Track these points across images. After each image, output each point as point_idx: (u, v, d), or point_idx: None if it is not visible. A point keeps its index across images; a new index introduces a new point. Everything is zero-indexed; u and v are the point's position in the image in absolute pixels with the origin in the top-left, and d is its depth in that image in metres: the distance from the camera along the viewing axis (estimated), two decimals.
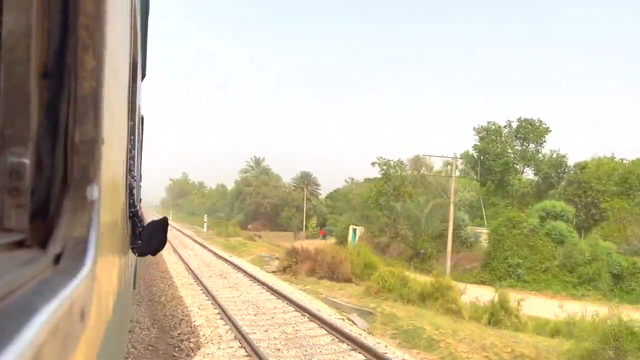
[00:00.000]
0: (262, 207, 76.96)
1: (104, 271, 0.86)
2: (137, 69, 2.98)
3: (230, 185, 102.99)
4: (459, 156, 41.05)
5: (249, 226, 66.24)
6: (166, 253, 24.84)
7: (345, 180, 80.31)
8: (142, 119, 6.26)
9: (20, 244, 0.63)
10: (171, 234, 39.01)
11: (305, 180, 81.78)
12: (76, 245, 0.68)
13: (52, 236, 0.65)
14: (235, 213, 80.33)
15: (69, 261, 0.65)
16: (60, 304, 0.52)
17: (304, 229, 66.26)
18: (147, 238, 2.36)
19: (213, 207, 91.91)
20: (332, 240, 48.44)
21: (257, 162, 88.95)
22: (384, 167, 48.96)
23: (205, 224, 43.87)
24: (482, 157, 47.54)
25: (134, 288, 9.83)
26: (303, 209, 72.72)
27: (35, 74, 0.65)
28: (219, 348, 9.23)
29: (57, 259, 0.64)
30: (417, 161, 53.15)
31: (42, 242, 0.65)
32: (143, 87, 5.20)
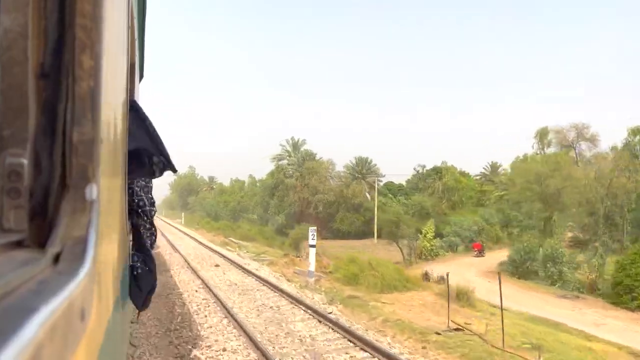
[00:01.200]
0: (312, 206, 55.71)
1: (103, 271, 0.86)
2: (134, 70, 2.97)
3: (243, 180, 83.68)
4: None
5: (292, 232, 50.25)
6: None
7: (415, 169, 63.66)
8: None
9: (19, 244, 0.63)
10: (228, 285, 14.49)
11: (364, 169, 60.97)
12: (75, 246, 0.68)
13: (51, 236, 0.65)
14: (270, 214, 58.20)
15: (68, 261, 0.65)
16: (60, 304, 0.52)
17: (374, 235, 47.95)
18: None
19: (238, 207, 69.25)
20: (491, 260, 31.70)
21: (295, 145, 63.70)
22: None
23: (312, 255, 16.98)
24: None
25: None
26: (364, 207, 54.05)
27: (33, 73, 0.64)
28: None
29: (57, 259, 0.64)
30: (561, 133, 40.10)
31: (42, 243, 0.65)
32: (141, 88, 5.19)
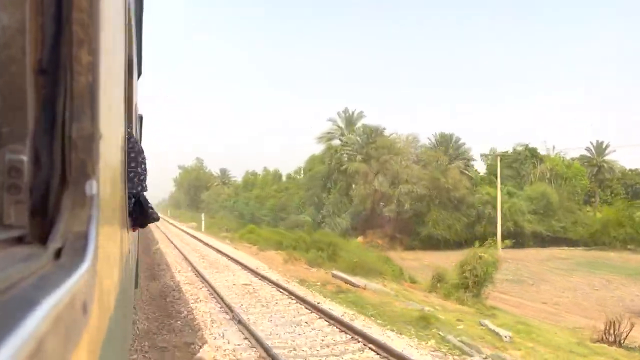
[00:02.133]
0: (392, 202, 38.19)
1: (104, 266, 0.87)
2: (132, 66, 2.97)
3: (257, 173, 65.57)
4: None
5: (360, 238, 34.25)
6: None
7: (514, 149, 46.34)
8: (141, 117, 6.25)
9: (20, 240, 0.63)
10: None
11: (450, 149, 45.23)
12: (76, 241, 0.68)
13: (52, 232, 0.65)
14: (327, 215, 40.57)
15: (69, 256, 0.65)
16: (62, 298, 0.52)
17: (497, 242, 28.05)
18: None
19: (279, 205, 49.24)
20: None
21: (349, 119, 46.61)
22: None
23: None
24: None
25: (136, 287, 9.73)
26: (466, 204, 37.86)
27: (31, 70, 0.65)
28: None
29: (58, 254, 0.65)
30: None
31: (43, 238, 0.65)
32: (139, 85, 5.19)
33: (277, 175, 61.26)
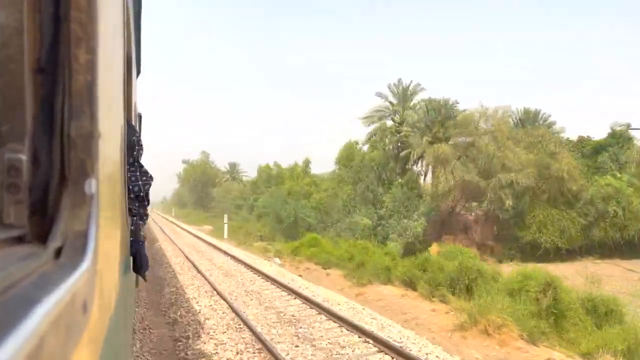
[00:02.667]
0: (486, 198, 28.48)
1: (105, 265, 0.87)
2: (131, 64, 2.96)
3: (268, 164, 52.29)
4: None
5: (434, 246, 26.14)
6: None
7: (612, 129, 34.85)
8: (140, 116, 6.25)
9: (20, 239, 0.63)
10: None
11: (533, 125, 35.39)
12: (76, 240, 0.68)
13: (52, 231, 0.65)
14: (388, 216, 30.93)
15: (69, 255, 0.65)
16: (62, 296, 0.52)
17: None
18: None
19: (320, 205, 35.99)
20: None
21: (405, 92, 36.71)
22: None
23: None
24: None
25: (137, 286, 9.74)
26: (583, 200, 27.78)
27: (29, 69, 0.64)
28: None
29: (58, 253, 0.65)
30: None
31: (42, 237, 0.65)
32: (139, 83, 5.18)
33: (307, 166, 47.01)
